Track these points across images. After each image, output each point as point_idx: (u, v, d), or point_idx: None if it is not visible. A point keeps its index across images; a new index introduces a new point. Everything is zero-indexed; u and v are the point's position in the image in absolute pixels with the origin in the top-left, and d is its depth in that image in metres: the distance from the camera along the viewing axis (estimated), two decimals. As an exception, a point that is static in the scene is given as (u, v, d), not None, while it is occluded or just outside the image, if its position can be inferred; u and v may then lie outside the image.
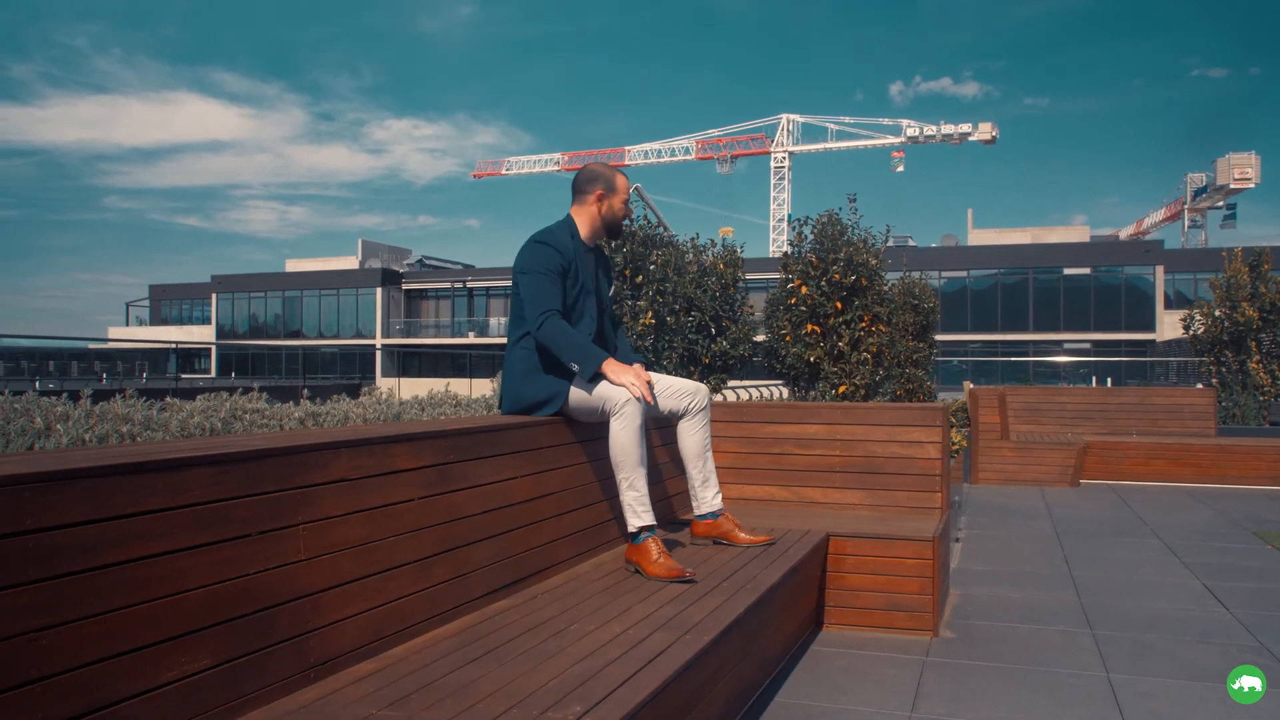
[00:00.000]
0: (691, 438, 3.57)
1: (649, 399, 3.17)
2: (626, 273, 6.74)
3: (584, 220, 3.49)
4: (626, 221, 6.98)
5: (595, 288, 3.47)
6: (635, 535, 3.14)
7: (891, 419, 4.43)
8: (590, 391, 3.25)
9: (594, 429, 3.37)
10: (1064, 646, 3.68)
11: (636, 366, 3.27)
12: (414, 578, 2.34)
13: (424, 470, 2.44)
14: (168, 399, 4.30)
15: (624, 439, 3.16)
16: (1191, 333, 12.72)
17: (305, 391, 5.49)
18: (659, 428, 3.98)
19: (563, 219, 3.49)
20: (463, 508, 2.58)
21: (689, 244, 6.73)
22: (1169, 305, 44.33)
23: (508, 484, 2.82)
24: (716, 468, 3.65)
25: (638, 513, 3.16)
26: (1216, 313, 12.15)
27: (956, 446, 7.33)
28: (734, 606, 2.65)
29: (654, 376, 3.61)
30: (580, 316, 3.42)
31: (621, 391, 3.15)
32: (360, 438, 2.23)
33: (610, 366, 3.22)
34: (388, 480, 2.30)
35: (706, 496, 3.57)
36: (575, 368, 3.24)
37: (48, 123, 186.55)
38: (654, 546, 3.08)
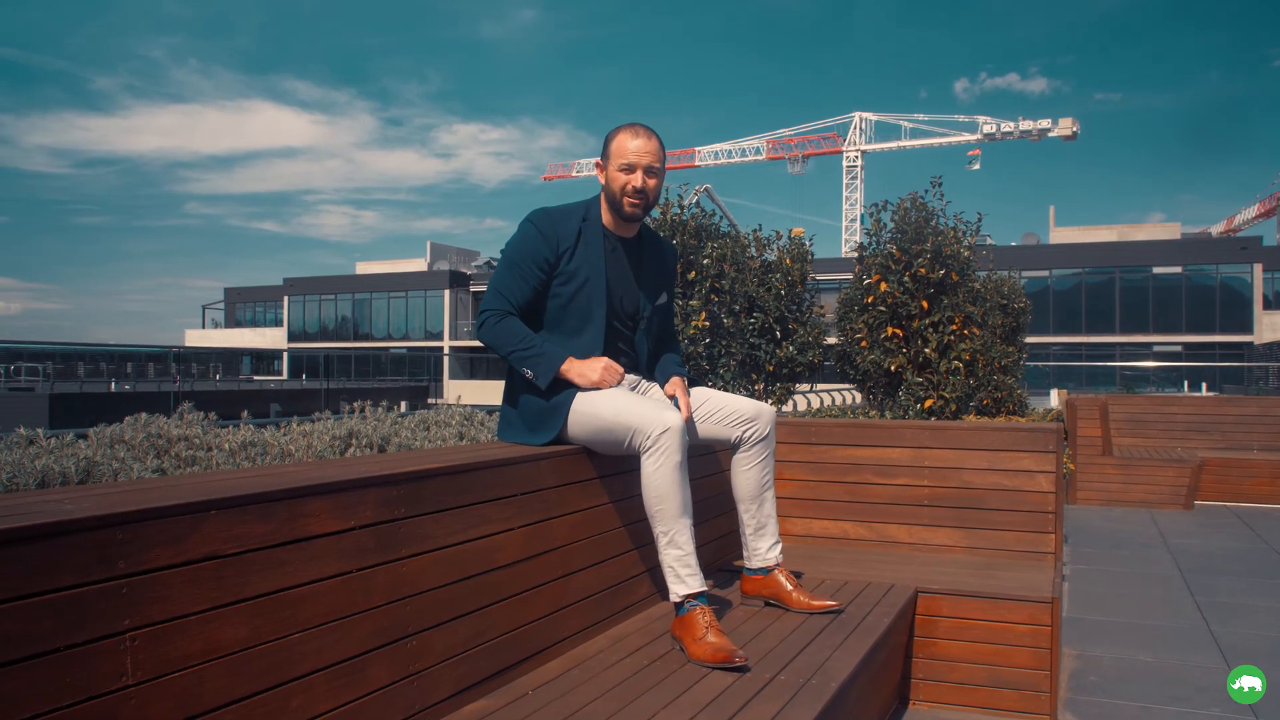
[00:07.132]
0: (747, 474, 2.79)
1: (611, 383, 2.56)
2: (678, 268, 5.99)
3: (604, 199, 2.74)
4: (678, 210, 6.21)
5: (615, 288, 2.68)
6: (679, 605, 2.41)
7: (993, 443, 3.63)
8: (548, 395, 2.57)
9: (616, 461, 2.63)
10: (1228, 745, 2.85)
11: (605, 360, 2.61)
12: (331, 687, 1.65)
13: (355, 532, 1.74)
14: (38, 432, 3.56)
15: (660, 482, 2.41)
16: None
17: (245, 414, 4.85)
18: (701, 455, 3.22)
19: (594, 195, 2.76)
20: (418, 580, 1.88)
21: (750, 236, 5.93)
22: (1268, 306, 41.84)
23: (488, 541, 2.10)
24: (778, 498, 2.88)
25: (682, 577, 2.42)
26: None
27: (1066, 471, 6.43)
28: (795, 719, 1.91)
29: (706, 394, 2.82)
30: (581, 323, 2.66)
31: (656, 419, 2.40)
32: (246, 493, 1.54)
33: (573, 369, 2.57)
34: (291, 552, 1.61)
35: (760, 548, 2.80)
36: (529, 374, 2.58)
37: (130, 133, 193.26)
38: (701, 620, 2.34)
